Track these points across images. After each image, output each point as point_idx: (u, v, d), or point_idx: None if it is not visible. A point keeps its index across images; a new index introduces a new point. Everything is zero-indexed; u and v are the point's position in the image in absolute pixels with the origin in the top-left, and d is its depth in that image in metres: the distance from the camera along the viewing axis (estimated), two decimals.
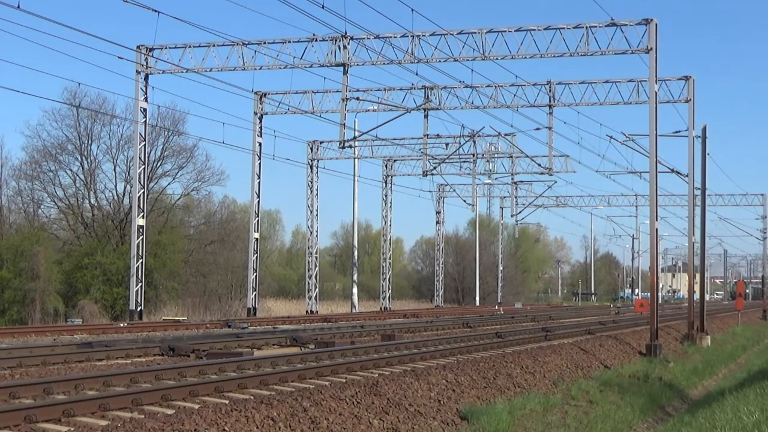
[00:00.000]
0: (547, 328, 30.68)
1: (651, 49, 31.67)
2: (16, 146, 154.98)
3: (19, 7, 23.49)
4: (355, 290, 57.99)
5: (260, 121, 45.78)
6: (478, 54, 35.51)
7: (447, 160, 52.76)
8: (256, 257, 45.98)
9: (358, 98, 41.06)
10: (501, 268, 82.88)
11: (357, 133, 47.37)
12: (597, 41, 34.31)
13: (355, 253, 59.40)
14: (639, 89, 41.52)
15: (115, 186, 57.42)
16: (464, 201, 65.56)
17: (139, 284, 38.47)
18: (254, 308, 45.64)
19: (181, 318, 41.50)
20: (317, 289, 55.41)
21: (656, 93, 30.39)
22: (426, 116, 45.46)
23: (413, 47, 36.01)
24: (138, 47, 38.29)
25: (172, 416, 10.60)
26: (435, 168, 52.37)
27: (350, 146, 45.95)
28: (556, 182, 58.28)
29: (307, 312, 53.41)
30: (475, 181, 60.21)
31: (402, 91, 43.92)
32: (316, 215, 55.56)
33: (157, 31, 54.34)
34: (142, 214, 39.24)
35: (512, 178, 61.67)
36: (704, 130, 37.00)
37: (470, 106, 44.06)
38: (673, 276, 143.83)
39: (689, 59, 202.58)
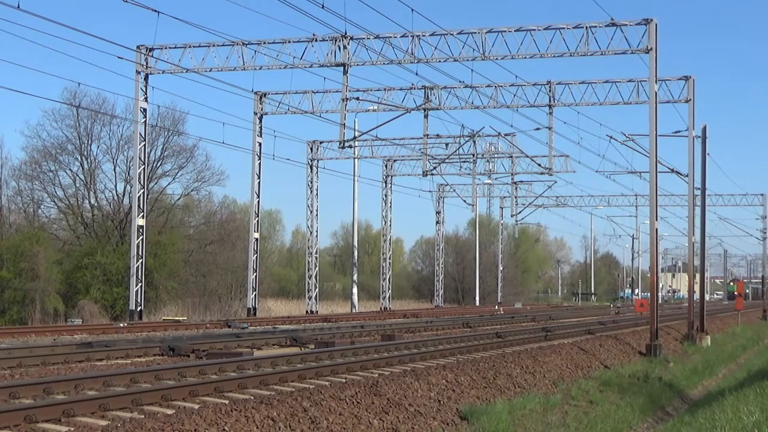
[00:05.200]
0: (547, 328, 30.68)
1: (651, 49, 31.69)
2: (16, 146, 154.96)
3: (19, 7, 23.50)
4: (355, 290, 58.00)
5: (260, 121, 45.78)
6: (478, 54, 35.52)
7: (447, 160, 52.76)
8: (256, 257, 45.97)
9: (358, 98, 41.07)
10: (501, 268, 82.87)
11: (357, 133, 47.37)
12: (597, 41, 34.34)
13: (355, 253, 59.40)
14: (639, 89, 41.55)
15: (115, 186, 57.48)
16: (464, 201, 65.67)
17: (139, 284, 38.46)
18: (254, 308, 45.62)
19: (181, 318, 41.48)
20: (317, 289, 55.40)
21: (656, 93, 30.41)
22: (426, 116, 45.47)
23: (413, 47, 36.02)
24: (138, 47, 38.29)
25: (172, 416, 10.60)
26: (435, 168, 52.37)
27: (350, 146, 45.97)
28: (556, 182, 58.41)
29: (307, 312, 53.40)
30: (475, 181, 60.20)
31: (402, 91, 43.94)
32: (316, 215, 55.57)
33: (157, 31, 54.55)
34: (142, 214, 39.23)
35: (512, 178, 61.68)
36: (704, 130, 37.02)
37: (470, 106, 44.07)
38: (673, 276, 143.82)
39: (689, 59, 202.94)
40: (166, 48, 38.59)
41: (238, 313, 52.93)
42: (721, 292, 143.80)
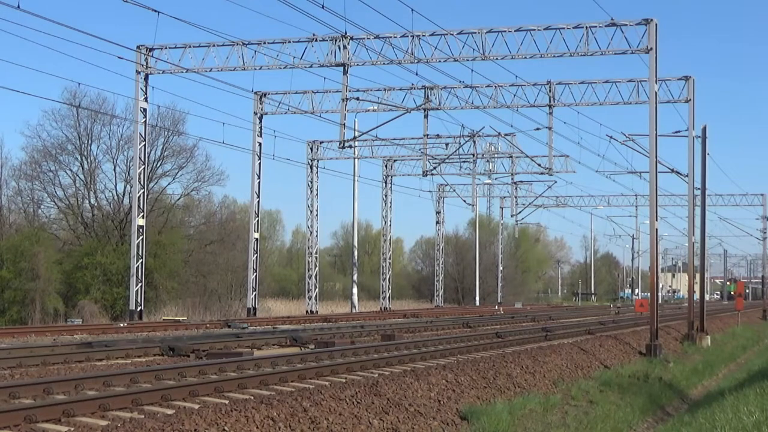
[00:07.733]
0: (547, 328, 30.69)
1: (651, 49, 31.68)
2: (16, 146, 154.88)
3: (19, 7, 23.49)
4: (355, 290, 57.98)
5: (260, 121, 45.78)
6: (478, 54, 35.51)
7: (447, 160, 52.74)
8: (256, 257, 45.98)
9: (358, 98, 41.05)
10: (501, 268, 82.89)
11: (357, 133, 47.36)
12: (597, 41, 34.33)
13: (355, 253, 59.40)
14: (639, 89, 41.53)
15: (115, 186, 57.48)
16: (464, 201, 65.61)
17: (139, 284, 38.46)
18: (254, 308, 45.62)
19: (181, 318, 41.46)
20: (317, 289, 55.40)
21: (656, 93, 30.40)
22: (426, 116, 45.45)
23: (413, 47, 36.01)
24: (138, 47, 38.28)
25: (172, 416, 10.60)
26: (435, 168, 52.35)
27: (350, 146, 45.94)
28: (556, 182, 58.44)
29: (307, 312, 53.40)
30: (475, 181, 60.22)
31: (402, 91, 43.93)
32: (316, 215, 55.58)
33: (157, 31, 54.51)
34: (142, 214, 39.23)
35: (512, 178, 61.68)
36: (704, 130, 37.02)
37: (470, 106, 44.06)
38: (673, 276, 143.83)
39: (689, 59, 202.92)
40: (166, 48, 38.59)
41: (238, 313, 52.91)
42: (719, 292, 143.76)
